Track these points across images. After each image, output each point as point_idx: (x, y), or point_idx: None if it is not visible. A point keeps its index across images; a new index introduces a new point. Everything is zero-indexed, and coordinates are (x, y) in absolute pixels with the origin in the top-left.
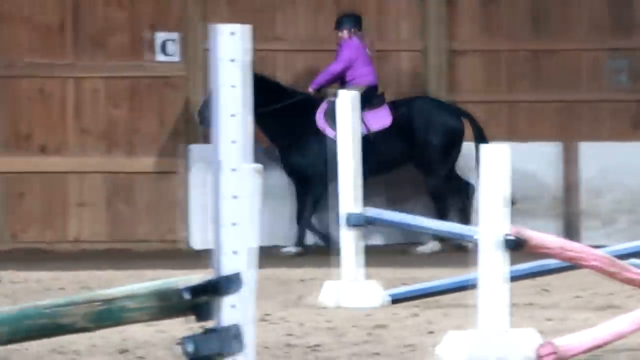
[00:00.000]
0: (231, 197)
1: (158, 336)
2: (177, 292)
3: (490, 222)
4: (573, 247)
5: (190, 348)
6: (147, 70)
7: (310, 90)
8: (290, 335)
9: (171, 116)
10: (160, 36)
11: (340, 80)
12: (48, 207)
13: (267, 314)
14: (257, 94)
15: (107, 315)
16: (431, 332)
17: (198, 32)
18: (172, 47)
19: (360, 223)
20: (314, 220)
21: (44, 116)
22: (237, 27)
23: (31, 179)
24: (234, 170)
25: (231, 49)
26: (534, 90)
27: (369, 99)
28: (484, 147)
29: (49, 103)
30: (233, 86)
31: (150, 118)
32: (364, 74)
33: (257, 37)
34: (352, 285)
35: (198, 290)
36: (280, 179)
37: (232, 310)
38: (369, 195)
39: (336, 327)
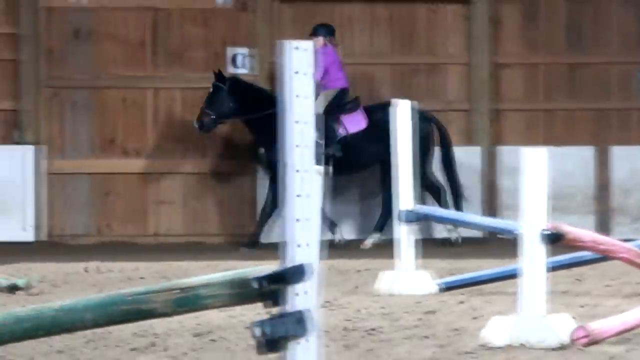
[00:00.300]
0: (297, 196)
1: (230, 321)
2: (248, 281)
3: (531, 218)
4: (605, 241)
5: (259, 332)
6: None
7: None
8: (348, 320)
9: (242, 123)
10: (232, 51)
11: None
12: (130, 205)
13: (327, 301)
14: (251, 102)
15: (184, 302)
16: (476, 317)
17: (266, 47)
18: (242, 61)
19: (413, 219)
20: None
21: (126, 123)
22: (302, 43)
23: (115, 179)
24: (299, 171)
25: (297, 62)
26: (569, 100)
27: (344, 102)
28: (523, 151)
29: (131, 111)
30: (298, 96)
31: (222, 124)
32: (337, 79)
33: None
34: (405, 275)
35: (267, 280)
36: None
37: (298, 297)
38: (342, 191)
39: (390, 313)
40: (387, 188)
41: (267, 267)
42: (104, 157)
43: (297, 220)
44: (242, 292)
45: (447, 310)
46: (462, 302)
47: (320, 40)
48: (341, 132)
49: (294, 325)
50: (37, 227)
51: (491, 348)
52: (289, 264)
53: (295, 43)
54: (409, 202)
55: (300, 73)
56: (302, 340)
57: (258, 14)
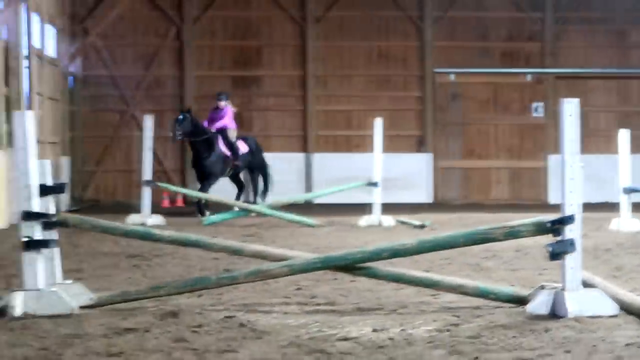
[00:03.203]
0: (570, 179)
1: (534, 244)
2: (544, 223)
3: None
4: None
5: (549, 249)
6: (527, 121)
7: (213, 130)
8: (595, 244)
9: (538, 141)
10: (534, 105)
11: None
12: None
13: (584, 234)
14: (194, 131)
15: (510, 234)
16: None
17: (554, 101)
18: (540, 110)
19: (629, 191)
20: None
21: (478, 141)
22: (571, 100)
23: (471, 171)
24: (571, 166)
25: (569, 109)
26: None
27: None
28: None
29: (482, 136)
30: (569, 127)
31: (519, 142)
32: (233, 125)
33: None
34: (625, 220)
35: (554, 222)
36: None
37: (570, 231)
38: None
39: (617, 240)
40: (255, 179)
41: (553, 215)
42: (467, 159)
43: (570, 191)
44: (541, 229)
45: None
46: None
47: (223, 102)
48: (240, 152)
49: (568, 246)
50: (432, 195)
51: None
52: (565, 214)
53: (567, 100)
54: (628, 180)
55: (571, 116)
56: (572, 254)
57: (547, 85)
